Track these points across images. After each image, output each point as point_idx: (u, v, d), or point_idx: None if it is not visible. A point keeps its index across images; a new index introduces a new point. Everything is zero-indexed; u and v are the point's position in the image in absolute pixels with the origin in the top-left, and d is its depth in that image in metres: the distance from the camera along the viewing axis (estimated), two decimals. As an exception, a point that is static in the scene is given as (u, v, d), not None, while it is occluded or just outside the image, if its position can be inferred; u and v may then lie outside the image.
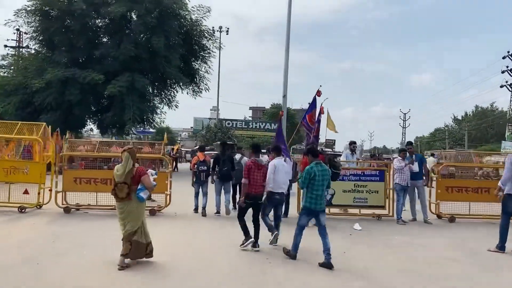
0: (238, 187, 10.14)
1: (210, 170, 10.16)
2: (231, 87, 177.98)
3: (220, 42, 60.14)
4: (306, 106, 79.76)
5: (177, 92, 30.90)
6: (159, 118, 31.53)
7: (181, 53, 27.43)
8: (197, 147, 14.77)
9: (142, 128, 33.38)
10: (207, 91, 30.79)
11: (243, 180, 6.67)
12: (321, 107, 10.08)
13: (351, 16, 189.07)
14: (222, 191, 10.07)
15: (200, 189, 10.10)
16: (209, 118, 68.49)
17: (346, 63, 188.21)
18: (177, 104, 30.72)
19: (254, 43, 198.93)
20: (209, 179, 10.24)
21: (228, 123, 68.55)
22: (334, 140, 49.30)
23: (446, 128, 74.46)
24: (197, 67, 30.70)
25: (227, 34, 61.64)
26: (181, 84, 29.03)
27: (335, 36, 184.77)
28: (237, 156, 10.72)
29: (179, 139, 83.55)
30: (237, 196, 9.74)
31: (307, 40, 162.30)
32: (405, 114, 72.43)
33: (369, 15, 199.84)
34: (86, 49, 25.87)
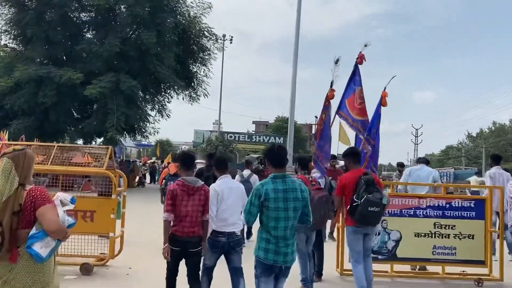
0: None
1: None
2: (234, 102, 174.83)
3: (223, 46, 57.39)
4: (310, 121, 75.57)
5: (171, 97, 27.24)
6: (152, 127, 27.71)
7: (177, 53, 23.83)
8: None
9: (131, 139, 29.51)
10: (206, 96, 27.13)
11: (164, 215, 4.23)
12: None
13: (354, 33, 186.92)
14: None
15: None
16: (210, 131, 64.70)
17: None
18: (170, 113, 26.93)
19: (257, 58, 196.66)
20: None
21: (230, 136, 64.71)
22: (347, 155, 45.47)
23: (460, 145, 70.48)
24: (195, 70, 27.11)
25: (230, 42, 58.44)
26: (176, 88, 25.37)
27: (338, 53, 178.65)
28: (245, 173, 8.58)
29: (178, 151, 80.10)
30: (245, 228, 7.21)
31: (309, 57, 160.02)
32: (417, 129, 68.52)
33: (373, 32, 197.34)
34: (65, 44, 22.25)
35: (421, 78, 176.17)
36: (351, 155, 5.22)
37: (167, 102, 26.68)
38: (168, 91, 26.61)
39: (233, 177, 9.76)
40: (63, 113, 22.01)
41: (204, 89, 26.87)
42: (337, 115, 6.31)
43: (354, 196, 4.76)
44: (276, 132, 67.52)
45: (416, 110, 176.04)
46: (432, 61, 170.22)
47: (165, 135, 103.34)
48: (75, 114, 24.72)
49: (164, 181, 8.28)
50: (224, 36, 58.01)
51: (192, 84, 26.82)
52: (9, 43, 23.67)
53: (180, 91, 25.78)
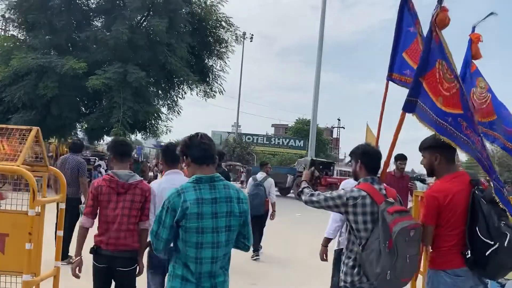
0: (259, 220, 7.32)
1: None
2: (253, 106, 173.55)
3: (243, 41, 55.38)
4: (331, 126, 73.10)
5: (185, 93, 25.22)
6: (165, 125, 25.77)
7: (191, 44, 21.83)
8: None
9: (143, 138, 27.62)
10: (221, 93, 25.00)
11: (82, 220, 3.26)
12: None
13: (376, 36, 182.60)
14: None
15: None
16: (228, 132, 62.77)
17: (370, 84, 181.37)
18: (181, 109, 24.92)
19: (277, 63, 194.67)
20: None
21: (249, 138, 62.70)
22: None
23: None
24: (210, 63, 25.05)
25: (251, 41, 56.64)
26: (189, 83, 23.34)
27: (359, 57, 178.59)
28: (259, 176, 7.79)
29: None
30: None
31: (330, 61, 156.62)
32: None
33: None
34: (69, 32, 20.46)
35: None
36: (441, 147, 2.86)
37: (179, 98, 24.67)
38: (181, 86, 24.63)
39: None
40: (67, 107, 20.17)
41: (220, 85, 24.79)
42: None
43: (480, 231, 2.49)
44: (296, 134, 65.15)
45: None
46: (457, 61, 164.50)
47: (181, 136, 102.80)
48: (83, 109, 22.96)
49: None
50: (244, 34, 56.59)
51: (207, 79, 24.77)
52: (11, 30, 22.04)
53: (194, 86, 23.74)
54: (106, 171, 23.21)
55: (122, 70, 19.11)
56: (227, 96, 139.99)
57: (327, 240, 4.26)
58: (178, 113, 24.78)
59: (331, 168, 24.89)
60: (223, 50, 24.78)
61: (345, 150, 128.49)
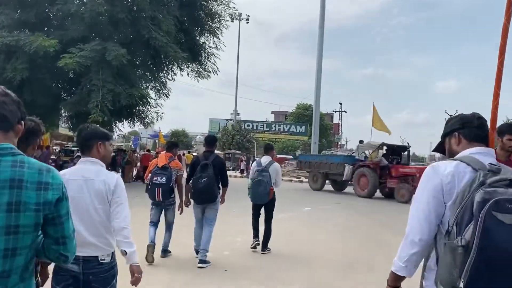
0: (263, 210, 6.68)
1: (175, 183, 5.99)
2: (252, 93, 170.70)
3: (239, 22, 52.60)
4: (330, 111, 69.90)
5: (175, 74, 22.94)
6: (156, 112, 23.50)
7: (179, 19, 19.44)
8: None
9: (130, 126, 25.33)
10: (215, 73, 22.67)
11: None
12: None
13: (374, 22, 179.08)
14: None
15: (157, 216, 5.98)
16: (226, 119, 60.46)
17: (368, 69, 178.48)
18: (170, 91, 22.66)
19: (275, 50, 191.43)
20: (176, 201, 6.07)
21: (248, 125, 60.45)
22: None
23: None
24: (202, 41, 22.70)
25: (247, 22, 54.03)
26: (179, 62, 21.04)
27: (357, 42, 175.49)
28: (264, 160, 6.67)
29: (193, 142, 75.93)
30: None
31: (329, 47, 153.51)
32: (451, 116, 62.80)
33: (394, 21, 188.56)
34: (40, 6, 18.04)
35: (443, 66, 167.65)
36: None
37: (168, 79, 22.37)
38: (171, 67, 22.33)
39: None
40: (41, 93, 17.88)
41: (214, 64, 22.45)
42: None
43: None
44: (297, 120, 62.85)
45: (438, 100, 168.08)
46: (455, 48, 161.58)
47: (180, 126, 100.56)
48: (63, 94, 20.68)
49: (150, 175, 5.95)
50: (240, 14, 53.95)
51: (199, 57, 22.43)
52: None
53: (184, 65, 21.43)
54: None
55: (100, 47, 16.78)
56: (225, 84, 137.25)
57: (397, 279, 2.01)
58: (166, 96, 22.50)
59: (405, 153, 18.11)
60: (216, 25, 22.44)
61: (347, 135, 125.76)
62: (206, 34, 22.49)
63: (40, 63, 17.04)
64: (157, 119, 24.18)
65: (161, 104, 23.61)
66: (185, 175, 6.46)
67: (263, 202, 6.50)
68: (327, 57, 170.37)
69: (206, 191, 5.61)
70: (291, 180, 26.08)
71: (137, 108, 22.57)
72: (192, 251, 6.01)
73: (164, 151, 6.55)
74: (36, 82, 17.59)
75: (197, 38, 22.30)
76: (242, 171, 28.17)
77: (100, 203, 2.51)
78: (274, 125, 63.81)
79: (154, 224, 5.93)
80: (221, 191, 5.93)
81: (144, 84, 21.06)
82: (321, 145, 56.80)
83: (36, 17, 17.92)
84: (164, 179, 5.74)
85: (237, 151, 38.66)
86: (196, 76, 22.47)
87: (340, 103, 63.40)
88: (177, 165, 6.09)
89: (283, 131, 62.05)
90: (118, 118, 22.24)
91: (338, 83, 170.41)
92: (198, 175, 5.65)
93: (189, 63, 21.53)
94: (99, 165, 2.59)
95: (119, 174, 3.07)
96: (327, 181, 20.09)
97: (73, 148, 22.33)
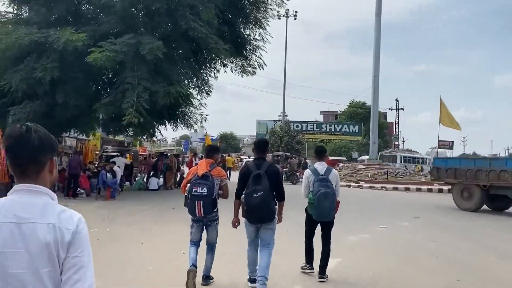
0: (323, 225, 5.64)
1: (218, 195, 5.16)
2: (300, 94, 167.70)
3: (287, 18, 50.34)
4: (384, 110, 65.89)
5: (218, 71, 21.00)
6: (199, 114, 21.70)
7: (220, 8, 17.42)
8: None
9: (173, 129, 23.68)
10: (261, 67, 20.45)
11: None
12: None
13: (425, 17, 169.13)
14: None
15: (199, 235, 5.23)
16: (274, 121, 58.17)
17: (421, 66, 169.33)
18: (211, 89, 20.73)
19: (323, 49, 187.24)
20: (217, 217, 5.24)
21: (297, 126, 57.85)
22: (452, 141, 36.61)
23: None
24: (247, 33, 20.56)
25: (295, 19, 51.64)
26: (221, 57, 19.09)
27: (408, 38, 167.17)
28: (319, 167, 5.60)
29: (241, 145, 74.51)
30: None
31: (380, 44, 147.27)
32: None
33: (446, 15, 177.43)
34: (71, 2, 16.65)
35: (502, 60, 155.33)
36: None
37: (210, 76, 20.46)
38: (213, 63, 20.39)
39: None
40: (74, 93, 16.42)
41: (260, 57, 20.24)
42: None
43: None
44: (350, 119, 59.43)
45: (497, 96, 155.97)
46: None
47: (229, 129, 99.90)
48: (99, 94, 19.27)
49: (188, 186, 4.97)
50: (287, 11, 51.75)
51: (243, 51, 20.31)
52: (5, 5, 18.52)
53: (228, 60, 19.40)
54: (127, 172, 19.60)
55: (134, 41, 15.06)
56: (272, 85, 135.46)
57: None
58: (207, 94, 20.58)
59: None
60: (262, 15, 20.24)
61: (404, 134, 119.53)
62: (251, 26, 20.35)
63: (71, 61, 15.58)
64: (201, 121, 22.37)
65: (205, 104, 21.80)
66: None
67: (330, 218, 5.54)
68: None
69: (263, 208, 4.72)
70: (349, 186, 23.34)
71: (180, 109, 20.92)
72: (239, 278, 5.19)
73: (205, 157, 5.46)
74: (69, 82, 16.15)
75: (241, 30, 20.21)
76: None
77: (44, 265, 1.48)
78: (324, 125, 60.78)
79: (195, 244, 5.17)
80: (277, 207, 4.99)
81: (185, 82, 19.19)
82: (378, 145, 53.17)
83: (66, 12, 16.55)
84: (205, 190, 4.89)
85: (287, 153, 36.23)
86: (240, 72, 20.37)
87: (397, 100, 59.47)
88: (220, 173, 5.19)
89: (334, 131, 58.88)
90: (160, 120, 20.63)
91: (389, 80, 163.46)
92: (251, 189, 4.74)
93: (232, 58, 19.47)
94: (48, 198, 1.57)
95: (80, 215, 1.60)
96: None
97: (112, 153, 20.94)
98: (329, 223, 5.61)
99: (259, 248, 5.00)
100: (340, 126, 59.25)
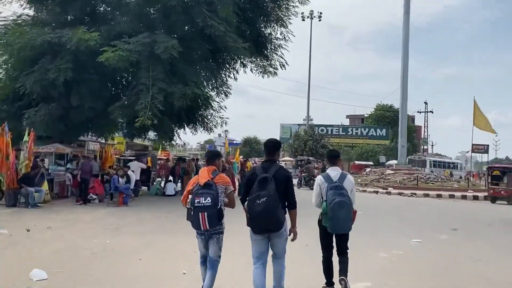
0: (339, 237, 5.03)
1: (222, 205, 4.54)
2: (326, 97, 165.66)
3: (311, 17, 49.31)
4: (411, 113, 64.22)
5: (237, 72, 20.19)
6: (220, 117, 20.99)
7: (239, 5, 16.60)
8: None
9: (192, 132, 22.97)
10: (283, 68, 19.53)
11: None
12: None
13: (455, 18, 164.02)
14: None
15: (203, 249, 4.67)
16: (298, 124, 56.98)
17: (450, 68, 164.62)
18: (229, 89, 19.94)
19: (348, 52, 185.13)
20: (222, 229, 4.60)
21: (322, 130, 56.48)
22: (487, 145, 34.67)
23: None
24: (268, 31, 19.67)
25: (319, 20, 50.58)
26: (241, 57, 18.31)
27: (437, 40, 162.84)
28: (333, 173, 5.02)
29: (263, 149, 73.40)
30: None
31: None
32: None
33: (477, 16, 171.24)
34: (86, 2, 16.16)
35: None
36: None
37: (229, 77, 19.68)
38: (233, 63, 19.58)
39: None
40: (89, 95, 15.89)
41: (281, 56, 19.32)
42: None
43: None
44: (377, 122, 57.65)
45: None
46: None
47: (253, 133, 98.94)
48: (116, 96, 18.76)
49: (190, 197, 4.45)
50: (311, 12, 50.69)
51: (264, 51, 19.43)
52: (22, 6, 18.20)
53: (247, 60, 18.56)
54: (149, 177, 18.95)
55: (149, 40, 14.41)
56: (297, 89, 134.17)
57: None
58: (225, 95, 19.79)
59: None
60: (284, 13, 19.33)
61: (433, 138, 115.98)
62: (272, 24, 19.45)
63: (85, 61, 15.08)
64: (221, 124, 21.60)
65: (225, 107, 21.04)
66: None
67: (347, 230, 4.97)
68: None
69: (267, 216, 4.21)
70: (376, 192, 22.06)
71: (199, 112, 20.25)
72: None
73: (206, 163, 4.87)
74: (84, 84, 15.64)
75: (262, 28, 19.33)
76: (317, 181, 24.53)
77: None
78: (350, 129, 59.17)
79: (205, 260, 4.65)
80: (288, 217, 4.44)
81: (204, 83, 18.45)
82: (406, 149, 51.21)
83: (81, 12, 16.09)
84: (209, 200, 4.38)
85: (309, 158, 35.11)
86: (261, 72, 19.49)
87: (426, 103, 57.25)
88: (224, 180, 4.65)
89: (361, 135, 57.25)
90: (178, 123, 19.98)
91: (417, 83, 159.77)
92: (255, 194, 4.26)
93: (252, 57, 18.62)
94: None
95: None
96: None
97: (130, 157, 20.37)
98: (346, 235, 5.06)
99: (272, 260, 4.50)
100: (367, 129, 57.54)
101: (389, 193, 21.58)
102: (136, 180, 15.90)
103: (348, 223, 4.88)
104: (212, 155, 4.88)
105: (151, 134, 22.37)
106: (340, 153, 5.60)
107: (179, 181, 18.52)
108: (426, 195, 20.80)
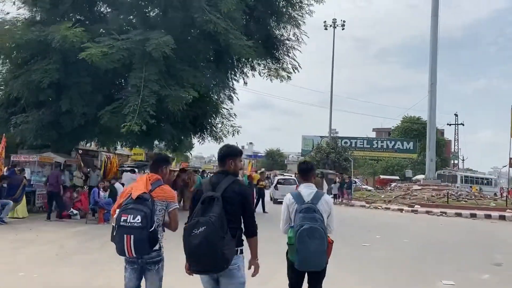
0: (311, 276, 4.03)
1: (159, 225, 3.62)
2: (351, 110, 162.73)
3: (334, 28, 47.50)
4: (441, 127, 60.91)
5: (246, 76, 18.58)
6: (232, 125, 19.44)
7: (248, 3, 15.00)
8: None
9: (199, 142, 21.40)
10: (295, 70, 17.75)
11: None
12: None
13: (486, 31, 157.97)
14: None
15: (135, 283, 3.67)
16: (321, 136, 54.73)
17: (481, 82, 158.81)
18: (232, 95, 18.36)
19: (374, 65, 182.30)
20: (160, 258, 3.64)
21: (345, 142, 54.07)
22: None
23: None
24: (279, 33, 17.97)
25: (343, 29, 48.64)
26: (247, 57, 16.70)
27: (467, 53, 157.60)
28: (305, 190, 4.01)
29: (285, 162, 71.42)
30: None
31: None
32: None
33: (508, 29, 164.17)
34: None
35: None
36: None
37: (235, 80, 18.09)
38: (240, 66, 17.95)
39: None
40: (80, 100, 14.48)
41: (293, 59, 17.57)
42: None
43: None
44: (404, 135, 54.77)
45: None
46: None
47: (278, 145, 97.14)
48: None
49: (117, 213, 3.49)
50: (334, 21, 48.85)
51: (275, 53, 17.71)
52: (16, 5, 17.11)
53: (256, 62, 16.92)
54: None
55: (141, 37, 12.93)
56: (323, 102, 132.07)
57: None
58: (230, 99, 18.22)
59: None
60: (297, 12, 17.62)
61: (465, 151, 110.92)
62: (284, 24, 17.74)
63: (75, 62, 13.69)
64: (233, 133, 19.87)
65: (234, 115, 19.42)
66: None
67: (319, 267, 3.79)
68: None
69: (205, 251, 3.07)
70: (401, 210, 19.78)
71: (207, 119, 18.71)
72: None
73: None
74: (73, 87, 14.26)
75: (273, 28, 17.65)
76: (335, 196, 22.49)
77: None
78: (376, 141, 56.48)
79: None
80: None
81: (206, 85, 16.80)
82: (435, 164, 48.12)
83: (73, 8, 14.80)
84: (138, 218, 3.31)
85: (330, 171, 32.93)
86: (272, 76, 17.81)
87: (456, 115, 54.12)
88: (165, 195, 3.55)
89: (386, 148, 54.50)
90: (183, 131, 18.39)
91: (446, 97, 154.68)
92: (193, 221, 3.15)
93: (261, 59, 16.94)
94: None
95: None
96: None
97: (128, 168, 18.88)
98: (319, 273, 3.93)
99: None
100: (393, 142, 54.77)
101: (415, 211, 19.27)
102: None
103: (321, 258, 3.76)
104: (157, 160, 3.84)
105: (155, 143, 20.87)
106: (313, 165, 4.38)
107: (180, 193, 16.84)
108: (458, 215, 18.42)
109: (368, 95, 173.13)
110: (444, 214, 18.50)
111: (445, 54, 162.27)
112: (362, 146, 55.43)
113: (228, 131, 19.57)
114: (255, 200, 15.84)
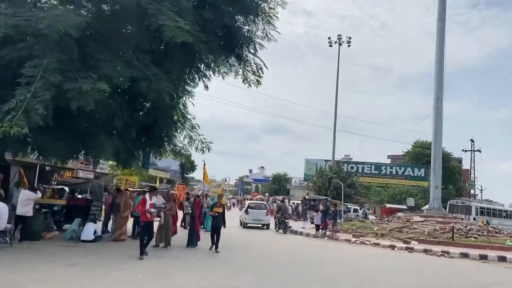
0: None
1: None
2: (368, 138, 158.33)
3: (339, 45, 44.61)
4: (458, 155, 56.36)
5: (208, 79, 15.46)
6: (202, 140, 16.18)
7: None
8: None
9: (156, 158, 18.30)
10: (260, 71, 14.59)
11: None
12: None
13: (507, 61, 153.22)
14: None
15: None
16: (326, 160, 51.03)
17: (503, 111, 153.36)
18: (190, 97, 15.27)
19: (392, 94, 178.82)
20: None
21: (351, 167, 50.34)
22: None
23: None
24: (247, 28, 14.92)
25: (348, 46, 45.61)
26: (208, 58, 13.75)
27: (488, 82, 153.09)
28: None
29: (288, 187, 67.52)
30: None
31: (452, 88, 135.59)
32: None
33: None
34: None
35: None
36: None
37: (191, 81, 15.00)
38: (200, 66, 14.88)
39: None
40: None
41: (257, 64, 14.53)
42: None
43: None
44: (415, 161, 50.71)
45: None
46: None
47: (282, 170, 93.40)
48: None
49: None
50: (339, 36, 45.99)
51: (240, 53, 14.63)
52: None
53: (210, 58, 13.87)
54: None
55: (40, 13, 10.05)
56: (343, 126, 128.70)
57: None
58: (184, 105, 15.12)
59: None
60: (266, 4, 14.63)
61: (483, 183, 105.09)
62: (251, 17, 14.71)
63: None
64: (202, 149, 16.53)
65: (198, 125, 16.24)
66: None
67: None
68: (451, 99, 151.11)
69: None
70: (393, 247, 16.10)
71: (162, 130, 15.51)
72: None
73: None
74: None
75: (236, 23, 14.61)
76: (317, 227, 18.87)
77: None
78: (384, 167, 52.47)
79: None
80: None
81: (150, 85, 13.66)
82: (448, 193, 43.87)
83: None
84: None
85: (323, 197, 29.25)
86: (225, 74, 14.71)
87: (472, 140, 49.88)
88: None
89: (396, 174, 50.49)
90: (135, 145, 15.17)
91: (465, 126, 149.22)
92: None
93: (218, 55, 13.88)
94: None
95: None
96: None
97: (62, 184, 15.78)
98: None
99: None
100: (403, 168, 50.74)
101: (410, 249, 15.55)
102: (28, 217, 11.15)
103: None
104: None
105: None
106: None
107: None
108: (464, 255, 14.68)
109: (386, 121, 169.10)
110: (446, 255, 14.78)
111: (464, 82, 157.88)
112: (369, 171, 51.58)
113: (197, 147, 16.30)
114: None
